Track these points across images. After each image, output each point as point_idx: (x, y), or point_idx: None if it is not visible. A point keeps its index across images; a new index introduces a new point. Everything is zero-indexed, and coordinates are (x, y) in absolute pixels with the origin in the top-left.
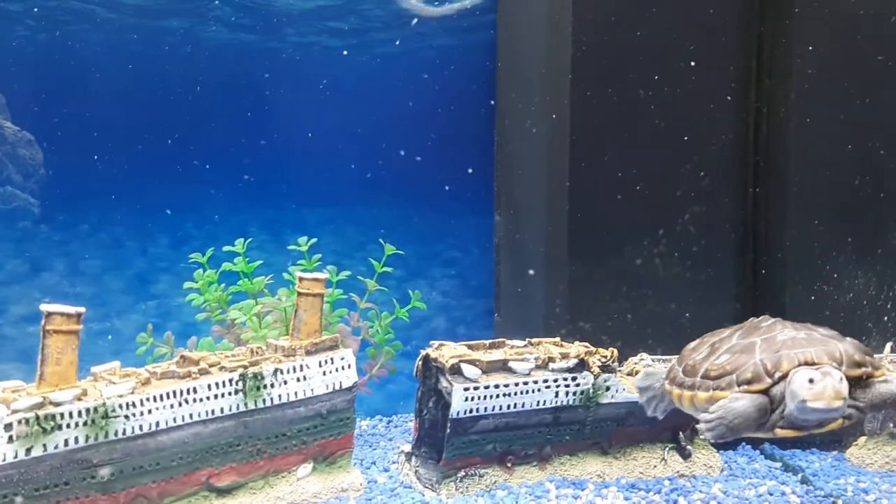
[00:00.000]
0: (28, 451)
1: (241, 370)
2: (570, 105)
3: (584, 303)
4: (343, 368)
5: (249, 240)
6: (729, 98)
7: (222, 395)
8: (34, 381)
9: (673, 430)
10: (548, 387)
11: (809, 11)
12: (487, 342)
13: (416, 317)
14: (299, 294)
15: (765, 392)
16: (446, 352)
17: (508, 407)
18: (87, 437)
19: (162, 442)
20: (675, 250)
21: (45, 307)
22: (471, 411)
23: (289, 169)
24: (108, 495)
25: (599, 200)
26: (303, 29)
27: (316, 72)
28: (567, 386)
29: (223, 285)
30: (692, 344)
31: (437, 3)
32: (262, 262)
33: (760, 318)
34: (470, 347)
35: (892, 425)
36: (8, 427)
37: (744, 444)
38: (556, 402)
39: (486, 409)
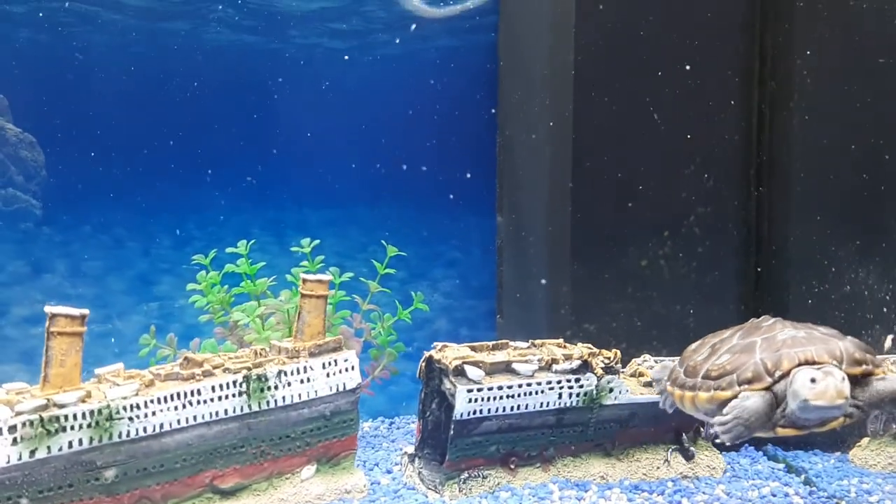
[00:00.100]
0: (32, 453)
1: (244, 372)
2: (572, 106)
3: (588, 304)
4: (347, 370)
5: (252, 241)
6: (732, 99)
7: (226, 397)
8: (38, 383)
9: (676, 431)
10: (551, 388)
11: (812, 12)
12: (491, 343)
13: (418, 318)
14: (303, 296)
15: (766, 391)
16: (449, 353)
17: (512, 408)
18: (92, 439)
19: (166, 444)
20: (680, 251)
21: (49, 309)
22: (474, 413)
23: (291, 171)
24: (113, 497)
25: (602, 201)
26: (305, 30)
27: (318, 73)
28: (570, 387)
29: (226, 287)
30: (693, 345)
31: (441, 4)
32: (264, 263)
33: (761, 318)
34: (473, 349)
35: (895, 426)
36: (12, 429)
37: (746, 445)
38: (560, 404)
39: (489, 410)
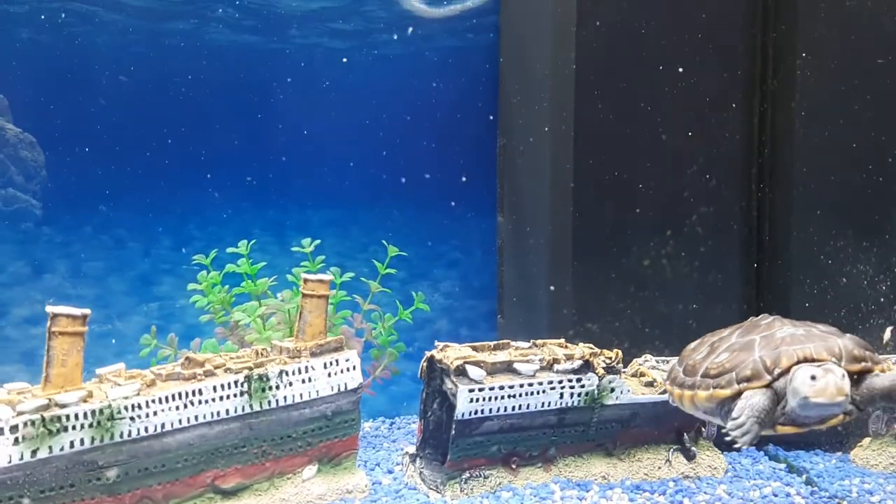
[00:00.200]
0: (34, 453)
1: (246, 372)
2: (573, 105)
3: (590, 304)
4: (348, 370)
5: (253, 241)
6: (734, 99)
7: (227, 397)
8: (39, 383)
9: (678, 431)
10: (552, 388)
11: (813, 13)
12: (492, 343)
13: (419, 318)
14: (304, 295)
15: (766, 388)
16: (451, 353)
17: (513, 408)
18: (93, 439)
19: (167, 444)
20: (682, 251)
21: (50, 309)
22: (476, 413)
23: (292, 171)
24: (114, 497)
25: (604, 201)
26: (306, 30)
27: (319, 73)
28: (572, 387)
29: (227, 287)
30: (692, 344)
31: (441, 4)
32: (265, 263)
33: (760, 316)
34: (474, 349)
35: None
36: (14, 429)
37: (741, 449)
38: (561, 404)
39: (490, 410)
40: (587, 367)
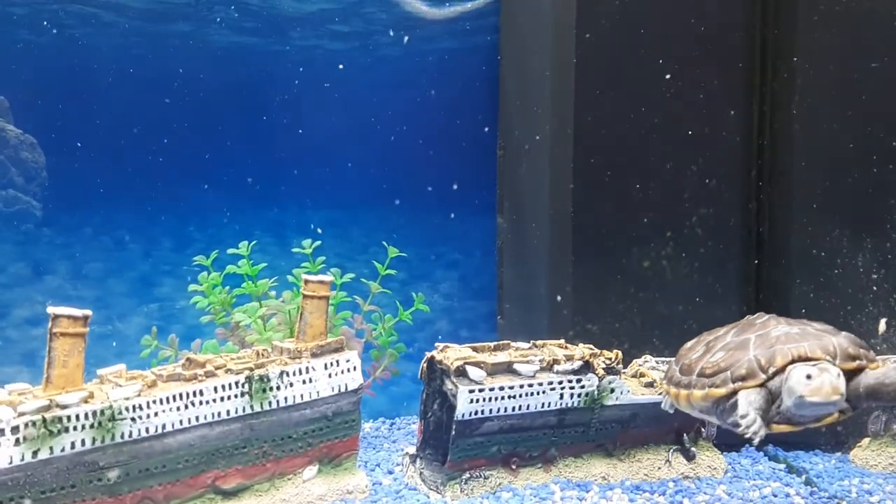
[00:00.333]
0: (35, 453)
1: (247, 373)
2: (573, 107)
3: (590, 305)
4: (348, 371)
5: (253, 242)
6: (733, 100)
7: (228, 398)
8: (40, 384)
9: (677, 431)
10: (552, 389)
11: (812, 13)
12: (492, 344)
13: (419, 319)
14: (305, 296)
15: (761, 387)
16: (451, 354)
17: (513, 409)
18: (94, 440)
19: (168, 444)
20: (682, 252)
21: (51, 310)
22: (476, 413)
23: (292, 172)
24: (115, 498)
25: (603, 202)
26: (306, 32)
27: (319, 75)
28: (572, 388)
29: (227, 288)
30: (689, 343)
31: (444, 4)
32: (265, 264)
33: (756, 315)
34: (475, 349)
35: (895, 427)
36: (15, 430)
37: (748, 445)
38: (561, 404)
39: (490, 411)
40: (587, 367)
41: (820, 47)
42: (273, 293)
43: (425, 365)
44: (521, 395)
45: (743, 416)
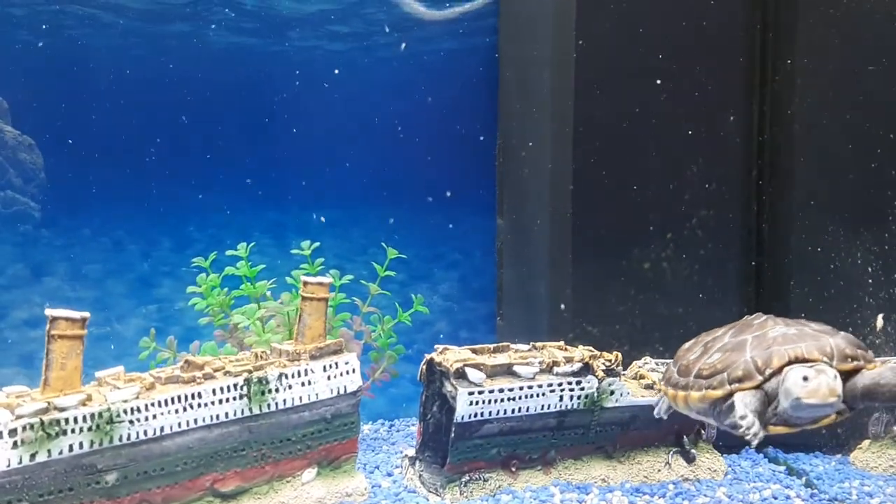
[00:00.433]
0: (33, 456)
1: (245, 375)
2: (573, 108)
3: (590, 307)
4: (347, 373)
5: (252, 244)
6: (734, 101)
7: (227, 400)
8: (38, 387)
9: (677, 433)
10: (552, 391)
11: (812, 13)
12: (492, 346)
13: (418, 320)
14: (304, 298)
15: (757, 388)
16: (451, 356)
17: (513, 411)
18: (92, 443)
19: (167, 447)
20: (683, 254)
21: (49, 312)
22: (475, 415)
23: (291, 173)
24: (113, 501)
25: (603, 204)
26: (305, 33)
27: (318, 75)
28: (572, 390)
29: (226, 289)
30: (687, 344)
31: (446, 5)
32: (264, 266)
33: (754, 315)
34: (474, 351)
35: (895, 429)
36: (13, 432)
37: (748, 447)
38: (561, 406)
39: (490, 413)
40: (587, 369)
41: (820, 48)
42: (269, 294)
43: (424, 367)
44: (520, 398)
45: (742, 418)
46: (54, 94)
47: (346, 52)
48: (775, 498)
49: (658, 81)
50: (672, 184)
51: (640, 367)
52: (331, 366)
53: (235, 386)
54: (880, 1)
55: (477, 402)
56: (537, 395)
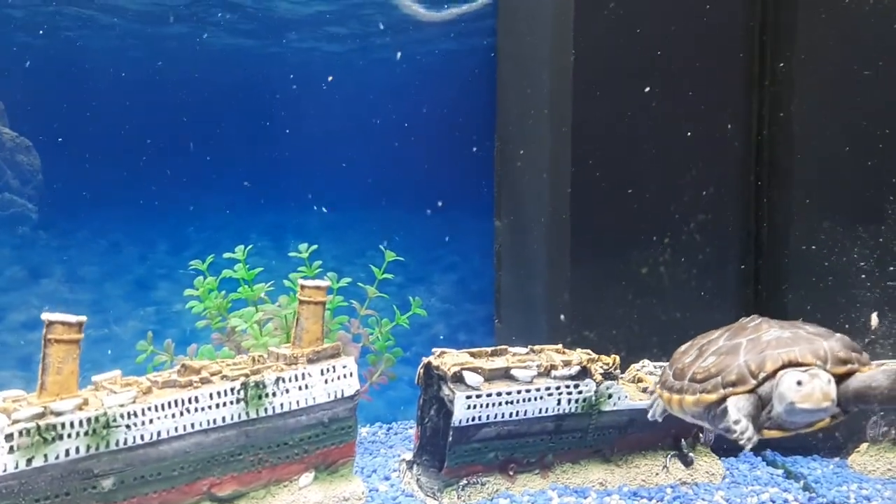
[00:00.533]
0: (29, 461)
1: (242, 379)
2: (571, 110)
3: (588, 311)
4: (345, 377)
5: (250, 247)
6: (733, 105)
7: (224, 405)
8: (34, 391)
9: (675, 437)
10: (550, 394)
11: (811, 15)
12: (489, 349)
13: (416, 323)
14: (301, 302)
15: (751, 393)
16: (448, 359)
17: (511, 415)
18: (89, 447)
19: (163, 451)
20: (681, 258)
21: (46, 316)
22: (473, 419)
23: (289, 174)
24: None
25: (601, 207)
26: (303, 34)
27: (316, 77)
28: (569, 394)
29: (223, 292)
30: (683, 347)
31: (444, 6)
32: (262, 268)
33: (749, 317)
34: (472, 355)
35: (894, 432)
36: (9, 437)
37: (745, 450)
38: (559, 410)
39: (488, 416)
40: (585, 373)
41: (818, 49)
42: (267, 297)
43: (422, 371)
44: (518, 401)
45: (735, 423)
46: (52, 95)
47: (344, 54)
48: (773, 501)
49: (656, 84)
50: (670, 187)
51: (637, 370)
52: (328, 369)
53: (232, 390)
54: (878, 2)
55: (474, 406)
56: (535, 399)
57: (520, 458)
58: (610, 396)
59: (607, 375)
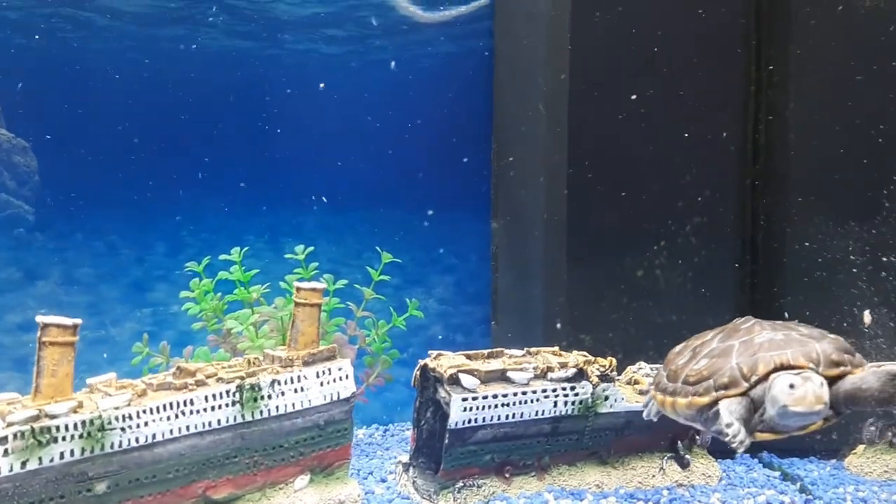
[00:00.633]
0: (24, 464)
1: (238, 381)
2: (568, 112)
3: (584, 314)
4: (341, 379)
5: (246, 249)
6: (729, 109)
7: (219, 407)
8: (30, 393)
9: (672, 439)
10: (546, 397)
11: (808, 20)
12: (486, 352)
13: (413, 325)
14: (296, 304)
15: (743, 395)
16: (444, 362)
17: (507, 417)
18: (83, 450)
19: (158, 454)
20: (677, 261)
21: (40, 319)
22: (469, 421)
23: (286, 176)
24: None
25: (598, 209)
26: (300, 36)
27: (313, 79)
28: (566, 396)
29: (220, 294)
30: (677, 348)
31: (438, 9)
32: (258, 270)
33: (743, 318)
34: (468, 357)
35: (890, 434)
36: (3, 440)
37: (738, 454)
38: (555, 412)
39: (484, 419)
40: (581, 375)
41: (813, 53)
42: (263, 299)
43: (418, 373)
44: (514, 403)
45: (728, 425)
46: (49, 97)
47: (341, 56)
48: (770, 503)
49: (653, 88)
50: (667, 190)
51: (634, 372)
52: (324, 372)
53: (228, 392)
54: (873, 6)
55: (471, 408)
56: (531, 401)
57: (516, 460)
58: (606, 398)
59: (604, 378)
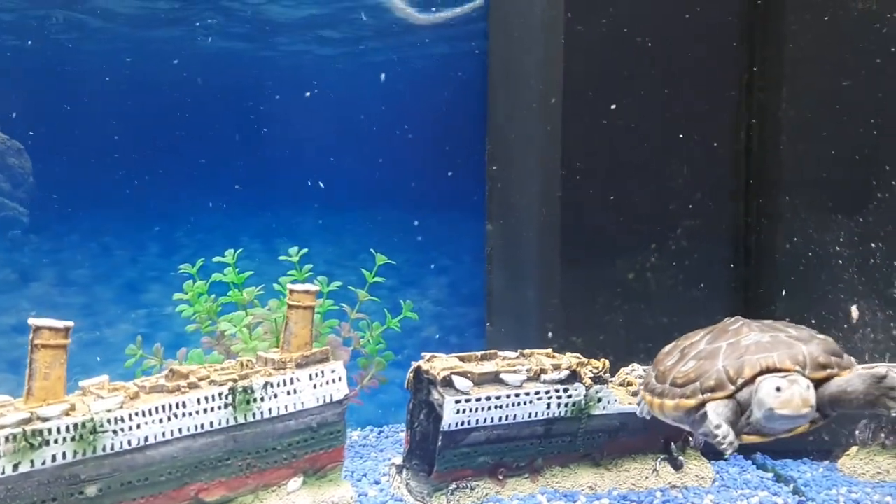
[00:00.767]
0: (15, 467)
1: (230, 384)
2: (562, 114)
3: (578, 315)
4: (334, 381)
5: (240, 251)
6: (722, 111)
7: (212, 410)
8: (22, 395)
9: (665, 441)
10: (539, 399)
11: (801, 24)
12: (479, 354)
13: (407, 326)
14: (290, 306)
15: (729, 398)
16: (438, 364)
17: (500, 419)
18: (76, 453)
19: (151, 457)
20: (668, 264)
21: (33, 321)
22: (462, 423)
23: (281, 177)
24: None
25: (592, 211)
26: (294, 38)
27: (308, 80)
28: (559, 398)
29: (213, 296)
30: (667, 348)
31: (432, 10)
32: (252, 272)
33: (732, 319)
34: (461, 359)
35: (883, 436)
36: None
37: (735, 454)
38: (548, 414)
39: (477, 421)
40: (574, 377)
41: (807, 57)
42: (257, 301)
43: (412, 375)
44: (507, 405)
45: (717, 427)
46: (43, 98)
47: (336, 57)
48: None
49: (648, 90)
50: (658, 194)
51: (627, 374)
52: (317, 374)
53: (220, 395)
54: (866, 8)
55: (464, 411)
56: (524, 403)
57: (509, 462)
58: (599, 400)
59: (597, 379)
